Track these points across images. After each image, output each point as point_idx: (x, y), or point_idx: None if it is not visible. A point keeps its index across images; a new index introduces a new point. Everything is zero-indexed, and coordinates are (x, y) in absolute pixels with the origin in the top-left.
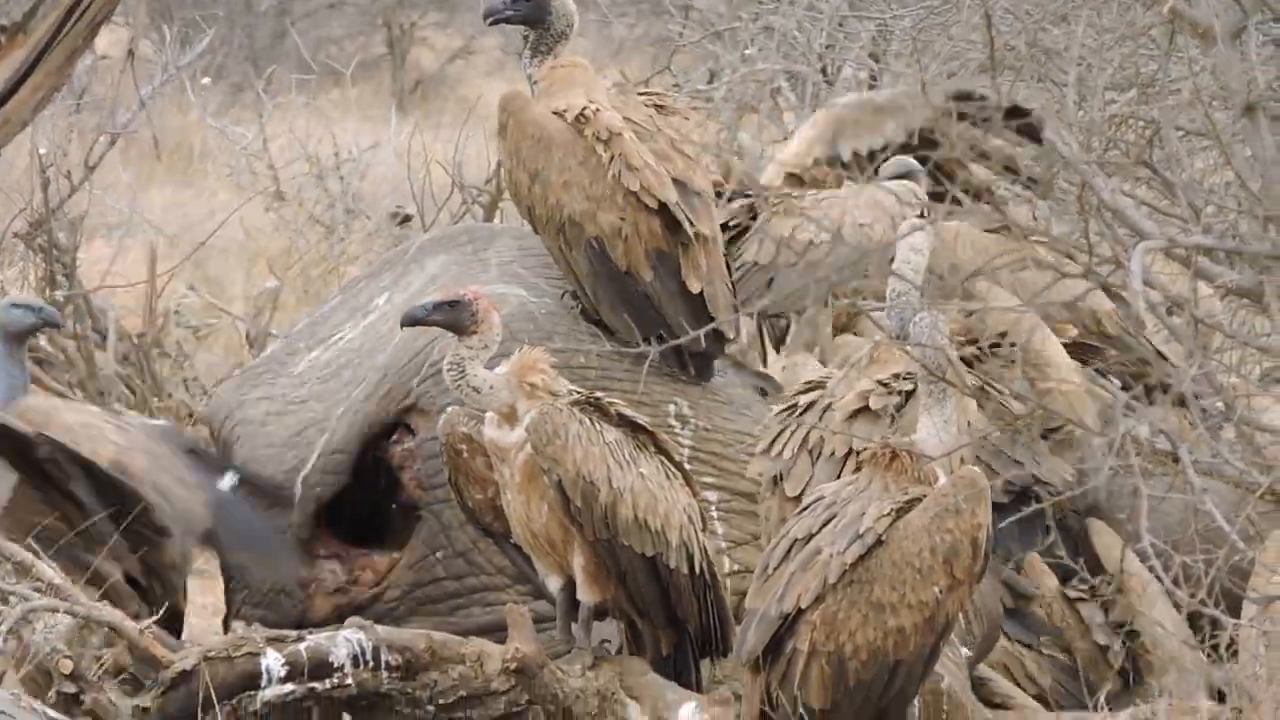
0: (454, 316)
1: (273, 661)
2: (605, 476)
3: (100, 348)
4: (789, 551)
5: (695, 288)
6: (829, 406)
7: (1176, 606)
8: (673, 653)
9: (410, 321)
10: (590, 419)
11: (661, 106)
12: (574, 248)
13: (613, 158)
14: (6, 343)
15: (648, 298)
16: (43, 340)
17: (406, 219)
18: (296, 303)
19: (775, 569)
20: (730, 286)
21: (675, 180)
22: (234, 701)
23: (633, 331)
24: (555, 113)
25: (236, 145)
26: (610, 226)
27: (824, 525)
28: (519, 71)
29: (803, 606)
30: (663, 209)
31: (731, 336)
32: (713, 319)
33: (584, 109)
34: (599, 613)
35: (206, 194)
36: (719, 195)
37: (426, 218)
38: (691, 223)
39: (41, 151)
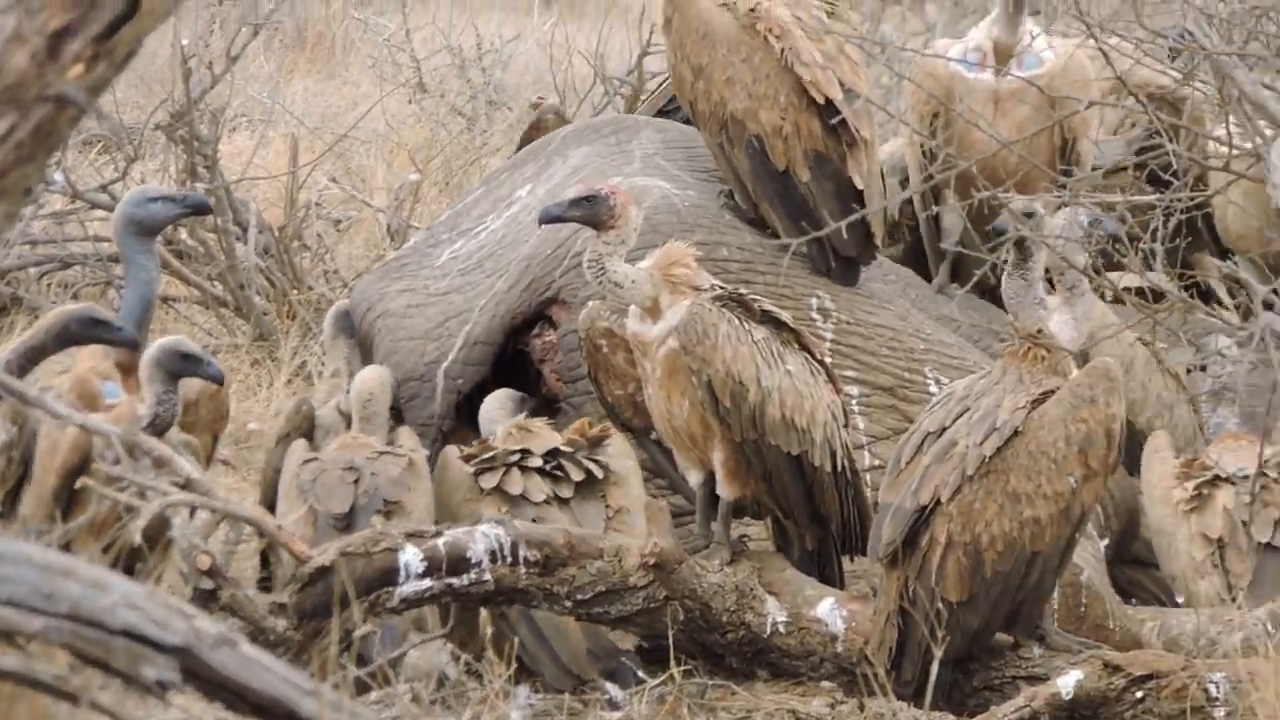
0: (592, 211)
1: (411, 557)
2: (754, 376)
3: (241, 240)
4: (921, 445)
5: (860, 184)
6: None
7: None
8: (817, 548)
9: (548, 218)
10: (738, 317)
11: (831, 12)
12: (735, 145)
13: (784, 50)
14: (140, 238)
15: (804, 199)
16: (183, 233)
17: None
18: (438, 195)
19: (908, 463)
20: (884, 195)
21: (839, 83)
22: (371, 597)
23: (790, 231)
24: (723, 5)
25: (379, 36)
26: (771, 125)
27: (957, 418)
28: None
29: (941, 499)
30: (825, 109)
31: (878, 243)
32: (866, 223)
33: (756, 4)
34: (738, 509)
35: (348, 85)
36: None
37: (568, 109)
38: (855, 127)
39: (184, 42)
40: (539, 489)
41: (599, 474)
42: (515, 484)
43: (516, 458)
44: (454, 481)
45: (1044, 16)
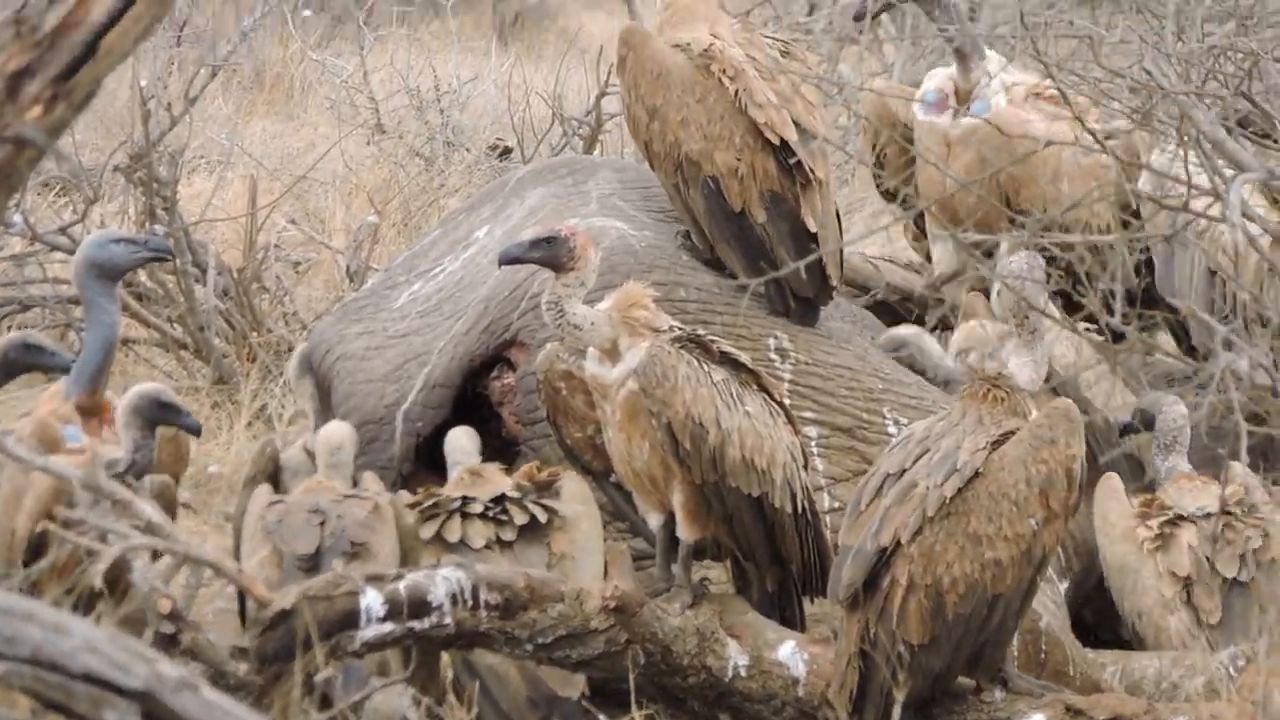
0: (551, 253)
1: (372, 600)
2: (714, 418)
3: (200, 282)
4: (881, 486)
5: (813, 226)
6: None
7: None
8: (777, 590)
9: (507, 260)
10: (697, 359)
11: (786, 53)
12: (691, 186)
13: (738, 91)
14: (102, 281)
15: (761, 240)
16: (142, 275)
17: (506, 151)
18: (396, 236)
19: (868, 504)
20: (840, 235)
21: (794, 123)
22: (333, 641)
23: (748, 272)
24: (677, 46)
25: (337, 78)
26: (726, 166)
27: (916, 460)
28: (618, 3)
29: (902, 541)
30: (780, 150)
31: (836, 284)
32: (822, 264)
33: (710, 45)
34: (698, 551)
35: (307, 127)
36: None
37: (526, 150)
38: (810, 167)
39: (142, 84)
40: (479, 534)
41: (543, 518)
42: (454, 531)
43: (458, 504)
44: (404, 528)
45: (1001, 57)
